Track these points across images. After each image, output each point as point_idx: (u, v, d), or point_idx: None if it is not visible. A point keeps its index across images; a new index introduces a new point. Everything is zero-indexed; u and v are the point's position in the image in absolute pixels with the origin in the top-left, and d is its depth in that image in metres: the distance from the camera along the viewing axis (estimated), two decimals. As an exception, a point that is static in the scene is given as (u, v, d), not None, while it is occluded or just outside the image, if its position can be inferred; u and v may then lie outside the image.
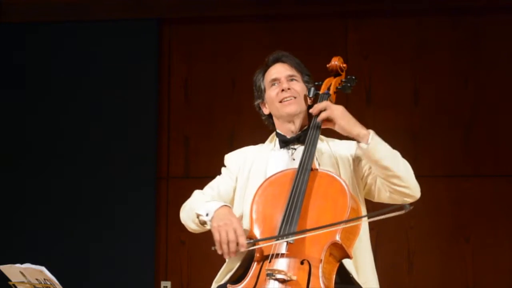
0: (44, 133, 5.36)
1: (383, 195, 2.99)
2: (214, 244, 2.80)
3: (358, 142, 2.90)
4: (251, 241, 2.81)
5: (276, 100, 3.11)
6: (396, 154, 2.94)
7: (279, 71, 3.14)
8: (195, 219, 2.98)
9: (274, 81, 3.13)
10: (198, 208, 2.95)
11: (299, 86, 3.11)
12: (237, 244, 2.76)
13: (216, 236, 2.79)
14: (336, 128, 2.93)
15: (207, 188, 3.18)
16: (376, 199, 3.04)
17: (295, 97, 3.09)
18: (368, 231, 3.03)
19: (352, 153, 3.06)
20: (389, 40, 5.23)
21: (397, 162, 2.91)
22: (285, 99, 3.09)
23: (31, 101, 5.39)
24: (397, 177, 2.90)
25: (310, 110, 3.00)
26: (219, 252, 2.79)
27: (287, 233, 2.73)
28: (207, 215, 2.89)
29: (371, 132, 2.90)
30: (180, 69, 5.40)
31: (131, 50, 5.37)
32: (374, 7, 5.24)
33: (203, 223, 2.94)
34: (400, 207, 2.55)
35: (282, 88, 3.09)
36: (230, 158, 3.23)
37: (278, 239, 2.73)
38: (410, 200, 2.96)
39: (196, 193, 3.14)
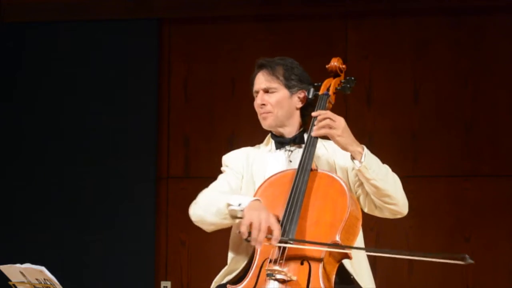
0: (43, 133, 5.36)
1: (372, 208, 3.00)
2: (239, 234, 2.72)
3: (352, 158, 2.90)
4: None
5: (257, 112, 3.15)
6: (387, 172, 2.94)
7: (258, 82, 3.14)
8: (222, 210, 2.85)
9: (255, 93, 3.16)
10: (227, 199, 2.85)
11: (275, 97, 3.09)
12: (271, 234, 2.69)
13: (246, 221, 2.71)
14: (333, 141, 2.93)
15: (215, 186, 3.11)
16: (366, 211, 3.03)
17: (270, 112, 3.09)
18: (363, 236, 3.03)
19: (348, 157, 3.05)
20: (389, 40, 5.23)
21: (387, 181, 2.91)
22: (261, 114, 3.12)
23: (31, 101, 5.39)
24: (386, 196, 2.92)
25: (313, 113, 2.96)
26: (244, 237, 2.70)
27: (289, 239, 2.72)
28: (239, 205, 2.80)
29: (364, 150, 2.89)
30: (180, 69, 5.40)
31: (131, 50, 5.37)
32: (374, 7, 5.23)
33: (232, 214, 2.83)
34: (461, 258, 2.52)
35: (257, 102, 3.12)
36: (232, 157, 3.21)
37: (280, 241, 2.73)
38: (398, 216, 3.01)
39: (209, 191, 3.06)
